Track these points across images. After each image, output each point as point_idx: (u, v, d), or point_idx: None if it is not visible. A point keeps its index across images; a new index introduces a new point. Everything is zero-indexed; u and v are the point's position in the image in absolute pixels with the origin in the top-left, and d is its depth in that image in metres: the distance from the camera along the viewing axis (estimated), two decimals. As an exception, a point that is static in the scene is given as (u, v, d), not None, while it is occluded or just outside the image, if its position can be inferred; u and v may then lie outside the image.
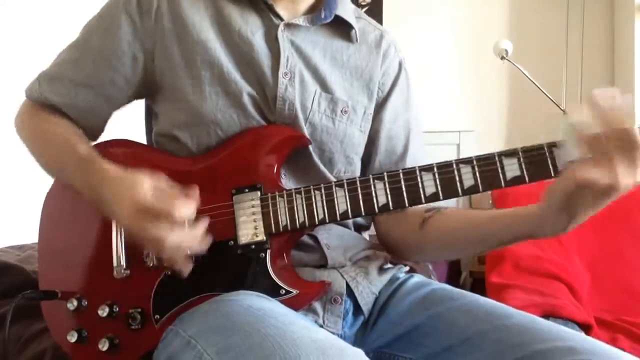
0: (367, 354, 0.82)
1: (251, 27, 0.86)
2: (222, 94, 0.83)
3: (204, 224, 0.73)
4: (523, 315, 0.76)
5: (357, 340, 0.84)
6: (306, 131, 0.86)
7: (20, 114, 0.93)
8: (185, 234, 0.70)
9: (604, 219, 1.81)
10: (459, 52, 2.75)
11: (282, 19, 0.87)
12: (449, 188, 0.74)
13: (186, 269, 0.74)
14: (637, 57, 2.37)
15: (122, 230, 0.80)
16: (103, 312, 0.78)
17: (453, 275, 2.21)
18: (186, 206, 0.70)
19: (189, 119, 0.84)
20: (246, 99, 0.83)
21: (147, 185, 0.71)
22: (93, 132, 0.91)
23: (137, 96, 0.91)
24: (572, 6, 2.63)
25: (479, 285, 2.24)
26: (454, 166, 0.74)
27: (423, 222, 0.87)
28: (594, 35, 2.61)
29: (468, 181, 0.73)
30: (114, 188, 0.73)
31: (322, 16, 0.88)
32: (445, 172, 0.74)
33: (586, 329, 1.40)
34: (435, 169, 0.75)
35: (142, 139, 0.96)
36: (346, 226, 0.91)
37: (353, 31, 0.91)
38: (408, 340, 0.80)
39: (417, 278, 0.90)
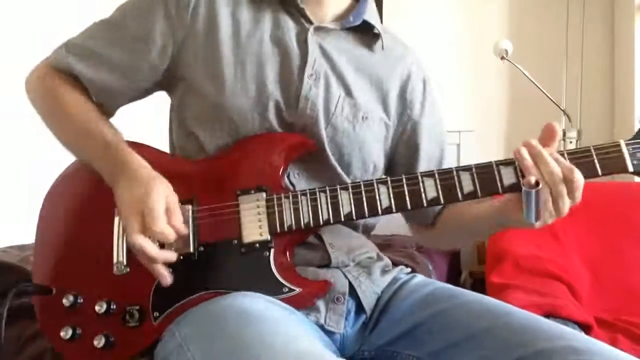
0: (369, 352, 0.84)
1: (282, 30, 0.88)
2: (243, 94, 0.84)
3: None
4: (526, 314, 0.77)
5: (358, 340, 0.85)
6: (326, 133, 0.87)
7: (35, 76, 0.93)
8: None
9: (604, 219, 1.82)
10: (459, 52, 2.75)
11: (311, 23, 0.90)
12: (449, 193, 0.78)
13: (162, 277, 0.76)
14: (637, 57, 2.37)
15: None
16: (101, 308, 0.78)
17: (453, 275, 2.21)
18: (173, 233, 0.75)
19: (207, 115, 0.86)
20: (265, 100, 0.85)
21: (160, 194, 0.75)
22: (105, 113, 0.91)
23: (158, 86, 0.92)
24: (572, 6, 2.63)
25: (479, 285, 2.24)
26: (454, 172, 0.78)
27: (434, 221, 0.97)
28: (594, 35, 2.61)
29: (467, 187, 0.77)
30: (132, 185, 0.77)
31: (351, 19, 0.91)
32: (446, 177, 0.78)
33: (586, 329, 1.40)
34: (436, 175, 0.78)
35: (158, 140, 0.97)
36: (352, 227, 0.92)
37: (379, 41, 0.94)
38: (411, 337, 0.81)
39: (419, 278, 0.91)
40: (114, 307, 0.79)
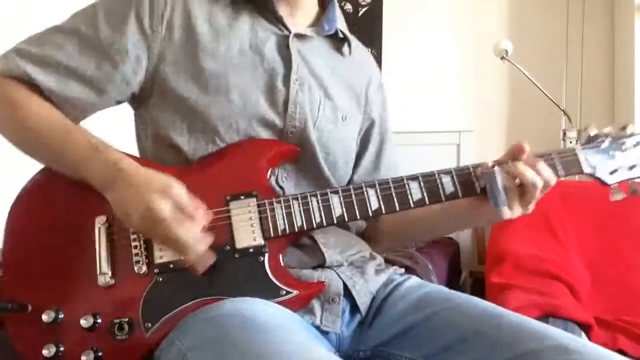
0: (364, 352, 0.84)
1: (261, 37, 0.89)
2: (226, 103, 0.84)
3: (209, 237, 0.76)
4: (517, 316, 0.78)
5: (354, 339, 0.85)
6: (314, 135, 0.89)
7: None
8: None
9: (604, 219, 1.82)
10: (459, 52, 2.76)
11: (289, 30, 0.91)
12: (433, 194, 0.83)
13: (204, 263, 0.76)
14: (637, 57, 2.37)
15: (105, 235, 0.78)
16: (87, 322, 0.75)
17: (453, 275, 2.21)
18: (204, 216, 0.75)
19: (190, 126, 0.84)
20: (251, 108, 0.85)
21: (178, 187, 0.74)
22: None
23: (131, 97, 0.89)
24: (572, 6, 2.63)
25: (479, 285, 2.24)
26: (436, 175, 0.84)
27: (377, 220, 1.02)
28: (594, 35, 2.61)
29: (449, 188, 0.83)
30: (140, 182, 0.75)
31: (326, 28, 0.95)
32: (429, 180, 0.83)
33: (586, 328, 1.40)
34: (420, 178, 0.83)
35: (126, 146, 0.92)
36: (345, 227, 0.93)
37: (346, 46, 0.99)
38: (404, 339, 0.82)
39: (413, 280, 0.92)
40: (100, 320, 0.76)
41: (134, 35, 0.83)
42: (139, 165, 0.77)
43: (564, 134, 2.24)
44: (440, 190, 0.83)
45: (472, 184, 0.83)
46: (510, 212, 0.81)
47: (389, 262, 0.98)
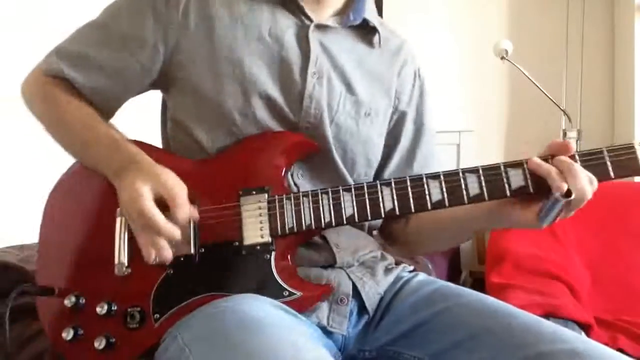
0: (370, 352, 0.83)
1: (281, 27, 0.87)
2: (241, 93, 0.83)
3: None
4: (528, 316, 0.76)
5: (360, 339, 0.84)
6: (331, 132, 0.86)
7: (29, 83, 0.93)
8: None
9: (604, 219, 1.82)
10: (459, 52, 2.75)
11: (311, 20, 0.88)
12: (454, 195, 0.76)
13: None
14: (637, 57, 2.37)
15: (126, 227, 0.80)
16: (102, 309, 0.78)
17: (453, 275, 2.21)
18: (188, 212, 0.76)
19: (206, 115, 0.85)
20: (266, 99, 0.84)
21: (178, 179, 0.77)
22: (103, 115, 0.90)
23: (153, 85, 0.91)
24: (572, 6, 2.63)
25: (478, 285, 2.24)
26: (460, 174, 0.76)
27: (407, 221, 0.97)
28: (594, 35, 2.61)
29: (474, 190, 0.75)
30: (143, 170, 0.78)
31: (351, 18, 0.90)
32: (452, 180, 0.76)
33: (586, 328, 1.40)
34: (442, 177, 0.76)
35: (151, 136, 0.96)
36: (358, 226, 0.91)
37: (377, 36, 0.94)
38: (413, 337, 0.80)
39: (422, 277, 0.91)
40: (115, 308, 0.79)
41: (151, 24, 0.85)
42: (152, 163, 0.80)
43: (564, 134, 2.24)
44: (464, 191, 0.75)
45: (501, 185, 0.74)
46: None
47: (397, 260, 0.96)
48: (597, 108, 2.58)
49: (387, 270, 0.90)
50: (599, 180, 0.73)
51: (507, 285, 1.58)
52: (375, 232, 0.99)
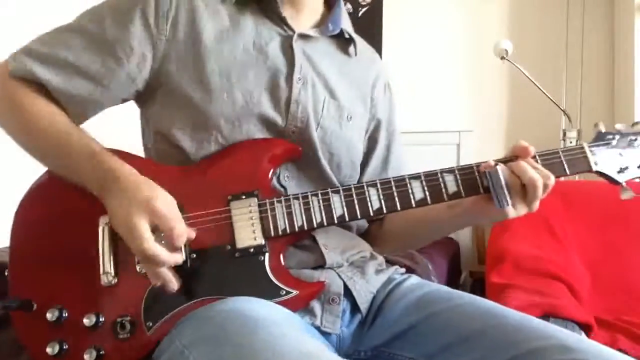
0: (365, 352, 0.84)
1: (265, 37, 0.90)
2: (229, 102, 0.84)
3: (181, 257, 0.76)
4: (519, 315, 0.78)
5: (355, 339, 0.85)
6: (317, 135, 0.89)
7: None
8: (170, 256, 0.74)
9: (604, 219, 1.82)
10: (459, 52, 2.76)
11: (293, 31, 0.92)
12: (435, 194, 0.82)
13: (171, 283, 0.75)
14: (637, 57, 2.37)
15: (109, 235, 0.78)
16: (89, 321, 0.76)
17: (453, 275, 2.21)
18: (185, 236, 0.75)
19: (193, 124, 0.85)
20: (253, 107, 0.85)
21: (167, 198, 0.75)
22: (74, 122, 0.85)
23: (135, 96, 0.90)
24: (572, 6, 2.63)
25: (479, 285, 2.24)
26: (439, 174, 0.82)
27: (382, 222, 1.02)
28: (594, 35, 2.61)
29: (452, 187, 0.82)
30: (129, 190, 0.75)
31: (330, 28, 0.95)
32: (432, 179, 0.82)
33: (586, 329, 1.40)
34: (422, 177, 0.82)
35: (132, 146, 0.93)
36: (347, 228, 0.93)
37: (352, 46, 0.99)
38: (406, 339, 0.81)
39: (414, 280, 0.92)
40: (102, 319, 0.77)
41: (139, 33, 0.84)
42: (133, 174, 0.77)
43: (564, 134, 2.24)
44: (443, 190, 0.81)
45: (475, 183, 0.82)
46: (515, 211, 0.80)
47: (389, 262, 0.98)
48: (597, 108, 2.58)
49: (378, 271, 0.91)
50: (558, 176, 0.81)
51: (507, 285, 1.58)
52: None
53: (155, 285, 0.75)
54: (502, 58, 2.22)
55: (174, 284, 0.75)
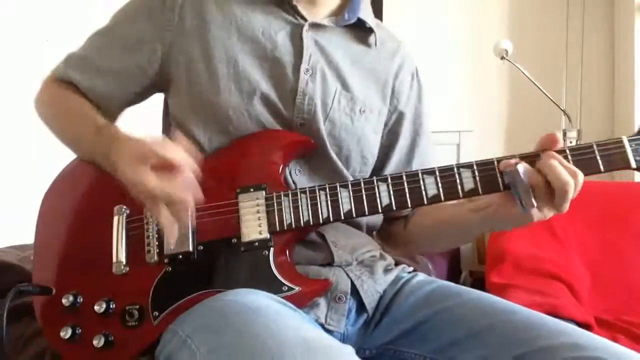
0: (370, 351, 0.83)
1: (275, 26, 0.89)
2: (236, 91, 0.85)
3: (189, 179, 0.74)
4: (529, 312, 0.77)
5: (359, 339, 0.85)
6: (324, 128, 0.87)
7: (41, 90, 0.97)
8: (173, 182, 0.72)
9: (604, 219, 1.82)
10: (459, 52, 2.76)
11: (305, 20, 0.90)
12: (450, 190, 0.77)
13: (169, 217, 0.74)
14: (637, 57, 2.37)
15: (123, 225, 0.81)
16: (100, 307, 0.78)
17: (453, 275, 2.21)
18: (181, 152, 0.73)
19: (203, 114, 0.86)
20: (260, 97, 0.85)
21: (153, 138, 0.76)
22: (107, 116, 0.91)
23: (153, 87, 0.93)
24: (572, 6, 2.63)
25: (478, 285, 2.23)
26: (455, 170, 0.77)
27: (406, 223, 0.99)
28: (594, 35, 2.61)
29: (468, 184, 0.77)
30: (123, 144, 0.78)
31: (346, 17, 0.92)
32: (447, 175, 0.77)
33: (586, 328, 1.40)
34: (437, 172, 0.78)
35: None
36: (357, 226, 0.91)
37: (372, 36, 0.96)
38: (414, 335, 0.81)
39: (421, 277, 0.91)
40: (113, 306, 0.79)
41: (148, 27, 0.89)
42: (130, 137, 0.79)
43: (564, 134, 2.24)
44: (459, 186, 0.77)
45: (495, 180, 0.76)
46: (541, 213, 0.74)
47: (396, 261, 0.97)
48: (597, 108, 2.58)
49: (387, 271, 0.90)
50: (590, 174, 0.74)
51: (507, 285, 1.58)
52: (374, 233, 1.00)
53: (174, 237, 0.74)
54: (502, 58, 2.22)
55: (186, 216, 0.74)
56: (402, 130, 0.99)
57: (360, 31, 0.95)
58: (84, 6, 1.86)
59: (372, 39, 0.96)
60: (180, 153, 0.73)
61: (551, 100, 2.23)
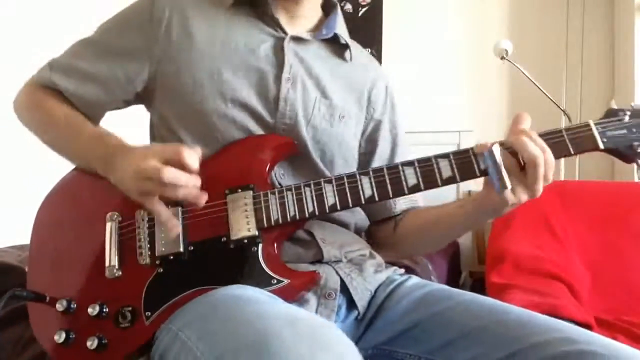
0: (365, 351, 0.84)
1: (257, 40, 0.93)
2: (220, 99, 0.88)
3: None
4: (521, 311, 0.78)
5: (353, 339, 0.84)
6: (307, 133, 0.92)
7: (22, 94, 0.99)
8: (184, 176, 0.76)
9: (604, 219, 1.82)
10: (459, 52, 2.76)
11: (286, 33, 0.95)
12: (429, 179, 0.80)
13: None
14: (637, 57, 2.37)
15: (116, 230, 0.84)
16: (93, 310, 0.80)
17: (453, 275, 2.21)
18: (192, 155, 0.77)
19: (191, 124, 0.90)
20: (243, 103, 0.89)
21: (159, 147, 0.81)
22: (90, 122, 0.95)
23: (137, 98, 0.96)
24: (572, 6, 2.63)
25: (479, 286, 2.24)
26: (433, 160, 0.80)
27: (395, 226, 1.02)
28: (594, 35, 2.61)
29: (446, 172, 0.80)
30: (133, 148, 0.82)
31: (324, 32, 0.98)
32: (425, 165, 0.81)
33: (586, 328, 1.40)
34: (416, 163, 0.81)
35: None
36: (345, 225, 0.94)
37: (348, 52, 1.01)
38: (408, 336, 0.82)
39: (415, 280, 0.93)
40: (106, 309, 0.80)
41: (137, 39, 0.92)
42: (129, 146, 0.84)
43: (564, 134, 2.23)
44: (437, 174, 0.79)
45: (471, 166, 0.79)
46: (514, 196, 0.76)
47: (388, 262, 0.98)
48: (597, 108, 2.57)
49: (377, 270, 0.92)
50: (561, 157, 0.77)
51: (507, 285, 1.58)
52: (363, 234, 1.02)
53: (175, 229, 0.79)
54: (502, 58, 2.22)
55: (200, 198, 0.78)
56: (381, 138, 1.04)
57: (337, 46, 1.01)
58: (84, 6, 1.86)
59: (347, 54, 1.01)
60: (195, 158, 0.77)
61: (551, 100, 2.23)
